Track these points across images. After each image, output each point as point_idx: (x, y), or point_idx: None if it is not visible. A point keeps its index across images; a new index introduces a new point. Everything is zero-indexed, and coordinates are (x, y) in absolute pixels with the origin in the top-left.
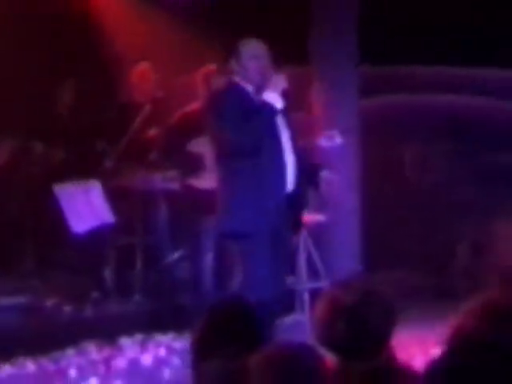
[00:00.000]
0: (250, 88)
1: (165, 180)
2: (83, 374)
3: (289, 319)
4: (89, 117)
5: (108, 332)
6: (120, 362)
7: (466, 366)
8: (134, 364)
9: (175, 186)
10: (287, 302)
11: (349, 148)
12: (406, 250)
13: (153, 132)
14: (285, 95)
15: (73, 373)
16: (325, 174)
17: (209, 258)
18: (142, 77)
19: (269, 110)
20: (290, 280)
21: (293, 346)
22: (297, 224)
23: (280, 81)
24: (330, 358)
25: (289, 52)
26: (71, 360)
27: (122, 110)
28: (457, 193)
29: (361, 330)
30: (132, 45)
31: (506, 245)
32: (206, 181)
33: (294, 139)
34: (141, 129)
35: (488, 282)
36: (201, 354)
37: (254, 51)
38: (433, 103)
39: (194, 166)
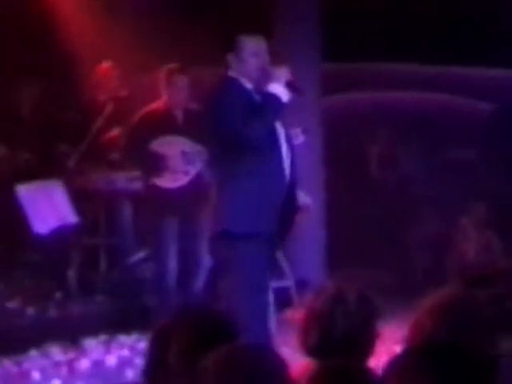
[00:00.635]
0: (248, 84)
1: (128, 180)
2: (46, 375)
3: None
4: (51, 117)
5: (71, 333)
6: (83, 364)
7: (423, 364)
8: (98, 365)
9: (139, 186)
10: None
11: (312, 146)
12: (371, 247)
13: (115, 132)
14: (290, 87)
15: (36, 375)
16: (299, 197)
17: (172, 259)
18: (105, 76)
19: (276, 102)
20: None
21: (252, 347)
22: (288, 227)
23: (283, 73)
24: (308, 362)
25: None
26: (34, 362)
27: (84, 109)
28: (422, 190)
29: (332, 336)
30: (94, 44)
31: (466, 241)
32: (169, 181)
33: (289, 137)
34: (103, 128)
35: (449, 278)
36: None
37: (254, 47)
38: (397, 100)
39: (156, 165)
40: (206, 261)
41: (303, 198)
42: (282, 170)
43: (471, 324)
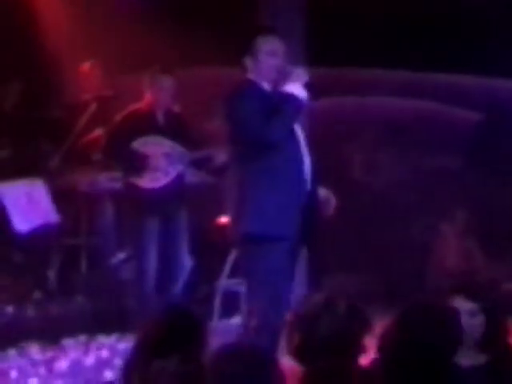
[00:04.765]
0: (266, 85)
1: (110, 180)
2: (24, 374)
3: (234, 320)
4: (34, 115)
5: (50, 333)
6: (62, 363)
7: (391, 375)
8: (76, 365)
9: (120, 186)
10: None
11: None
12: (352, 252)
13: (98, 132)
14: (308, 88)
15: (14, 374)
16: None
17: (153, 260)
18: (88, 75)
19: (295, 100)
20: (234, 282)
21: (250, 347)
22: (312, 231)
23: (301, 74)
24: (292, 365)
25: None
26: (12, 361)
27: (68, 108)
28: (405, 195)
29: (313, 340)
30: (79, 41)
31: (447, 248)
32: (149, 181)
33: (308, 139)
34: (86, 128)
35: (429, 286)
36: (153, 352)
37: (271, 48)
38: (384, 106)
39: (137, 165)
40: (187, 262)
41: (323, 192)
42: (302, 168)
43: (439, 335)
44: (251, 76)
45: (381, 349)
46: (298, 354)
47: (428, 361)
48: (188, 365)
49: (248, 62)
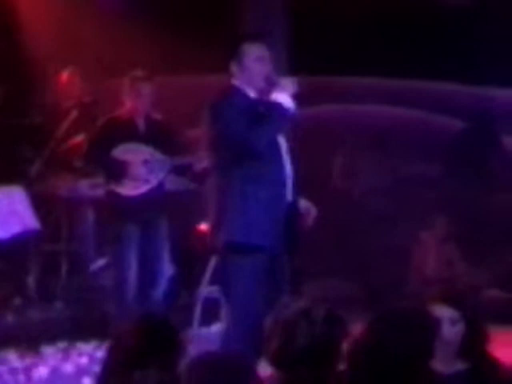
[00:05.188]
0: (251, 93)
1: (91, 187)
2: (3, 382)
3: (214, 328)
4: (15, 121)
5: (30, 340)
6: (41, 371)
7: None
8: (56, 372)
9: (101, 193)
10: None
11: None
12: (331, 258)
13: (79, 138)
14: (296, 99)
15: None
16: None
17: (132, 267)
18: (67, 84)
19: (280, 109)
20: (214, 289)
21: (227, 354)
22: (294, 241)
23: (290, 84)
24: (268, 370)
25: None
26: None
27: (48, 115)
28: (384, 202)
29: (291, 346)
30: (62, 47)
31: (427, 255)
32: (129, 188)
33: (291, 149)
34: (67, 134)
35: (409, 292)
36: (133, 362)
37: (258, 53)
38: (364, 114)
39: (117, 172)
40: (167, 269)
41: (303, 203)
42: (283, 176)
43: (407, 341)
44: (236, 82)
45: (351, 355)
46: (276, 360)
47: (396, 366)
48: (165, 374)
49: (234, 67)
